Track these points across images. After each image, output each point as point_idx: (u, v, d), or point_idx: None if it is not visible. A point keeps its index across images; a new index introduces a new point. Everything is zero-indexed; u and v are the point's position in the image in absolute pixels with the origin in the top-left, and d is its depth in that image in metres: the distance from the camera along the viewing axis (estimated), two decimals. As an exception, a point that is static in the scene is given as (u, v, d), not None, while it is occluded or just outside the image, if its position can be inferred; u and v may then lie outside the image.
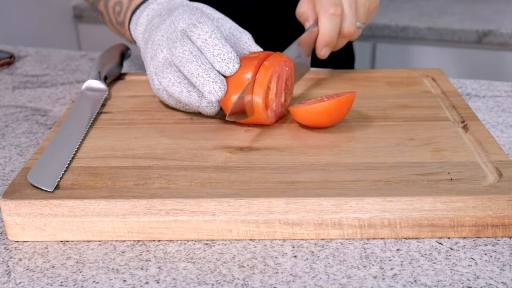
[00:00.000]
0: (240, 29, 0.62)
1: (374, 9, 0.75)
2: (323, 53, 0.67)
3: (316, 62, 0.95)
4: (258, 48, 0.61)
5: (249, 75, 0.56)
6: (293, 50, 0.65)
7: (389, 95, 0.66)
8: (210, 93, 0.56)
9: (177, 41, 0.57)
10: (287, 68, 0.60)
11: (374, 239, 0.47)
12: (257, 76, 0.56)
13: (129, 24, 0.69)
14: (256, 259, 0.46)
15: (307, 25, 0.69)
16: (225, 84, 0.56)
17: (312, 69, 0.80)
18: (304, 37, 0.66)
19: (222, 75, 0.57)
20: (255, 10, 0.98)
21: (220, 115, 0.62)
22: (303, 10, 0.69)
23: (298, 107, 0.58)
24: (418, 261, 0.45)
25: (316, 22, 0.67)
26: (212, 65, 0.56)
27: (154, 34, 0.62)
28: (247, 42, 0.61)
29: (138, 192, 0.48)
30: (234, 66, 0.56)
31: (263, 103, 0.57)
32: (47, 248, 0.48)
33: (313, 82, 0.71)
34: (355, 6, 0.68)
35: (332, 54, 1.07)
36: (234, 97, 0.56)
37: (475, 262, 0.45)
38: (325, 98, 0.58)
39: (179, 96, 0.58)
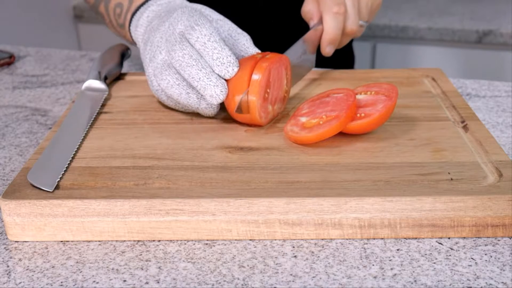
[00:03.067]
0: (239, 30, 0.62)
1: (376, 8, 0.77)
2: (327, 50, 0.70)
3: (319, 63, 0.95)
4: (256, 50, 0.62)
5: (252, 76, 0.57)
6: (298, 47, 0.66)
7: (389, 95, 0.66)
8: (211, 96, 0.56)
9: (176, 44, 0.57)
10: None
11: (374, 239, 0.47)
12: (252, 77, 0.56)
13: (129, 25, 0.69)
14: (256, 259, 0.46)
15: (311, 23, 0.71)
16: (226, 87, 0.56)
17: (313, 69, 0.80)
18: (309, 35, 0.68)
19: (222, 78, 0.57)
20: (254, 11, 0.98)
21: (220, 115, 0.62)
22: (308, 9, 0.72)
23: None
24: (418, 261, 0.45)
25: (320, 21, 0.69)
26: (211, 69, 0.56)
27: (153, 36, 0.62)
28: (245, 44, 0.61)
29: (138, 192, 0.48)
30: (233, 69, 0.56)
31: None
32: (47, 248, 0.48)
33: (313, 82, 0.71)
34: (358, 5, 0.70)
35: (333, 54, 1.07)
36: (238, 97, 0.56)
37: (475, 262, 0.45)
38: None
39: (178, 98, 0.59)
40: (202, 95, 0.57)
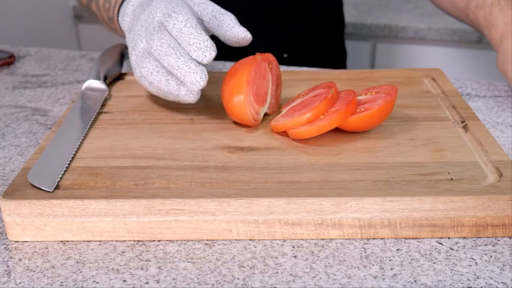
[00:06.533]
0: (223, 11, 0.62)
1: None
2: None
3: (308, 61, 0.95)
4: (242, 29, 0.61)
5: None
6: None
7: (389, 95, 0.66)
8: (192, 83, 0.55)
9: (155, 33, 0.57)
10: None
11: (374, 239, 0.47)
12: (237, 78, 0.56)
13: (117, 17, 0.69)
14: (256, 259, 0.46)
15: None
16: (206, 73, 0.55)
17: (310, 69, 0.80)
18: None
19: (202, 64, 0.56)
20: (249, 6, 0.98)
21: (221, 116, 0.62)
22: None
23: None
24: (418, 261, 0.45)
25: None
26: (190, 55, 0.56)
27: (135, 25, 0.62)
28: (230, 23, 0.61)
29: (138, 192, 0.48)
30: (210, 54, 0.55)
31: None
32: (47, 248, 0.48)
33: (312, 82, 0.71)
34: None
35: (324, 52, 1.06)
36: (236, 98, 0.56)
37: (475, 262, 0.45)
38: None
39: (158, 85, 0.58)
40: (182, 82, 0.57)
